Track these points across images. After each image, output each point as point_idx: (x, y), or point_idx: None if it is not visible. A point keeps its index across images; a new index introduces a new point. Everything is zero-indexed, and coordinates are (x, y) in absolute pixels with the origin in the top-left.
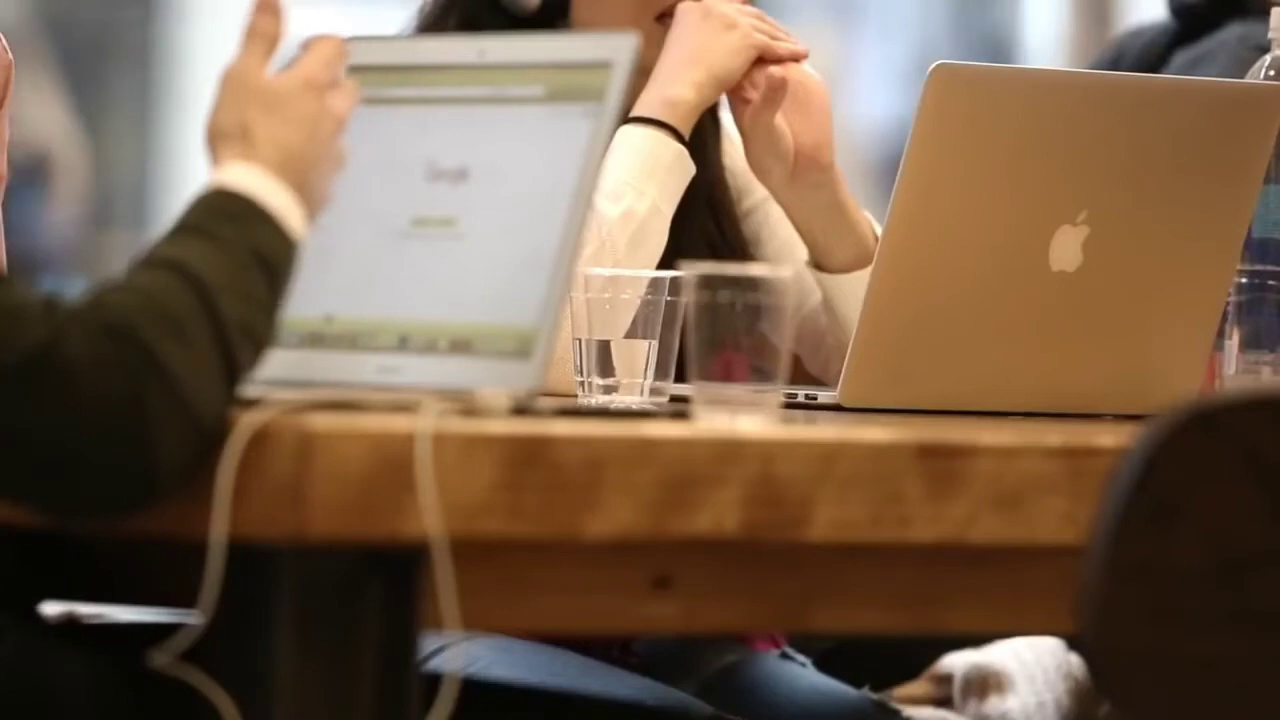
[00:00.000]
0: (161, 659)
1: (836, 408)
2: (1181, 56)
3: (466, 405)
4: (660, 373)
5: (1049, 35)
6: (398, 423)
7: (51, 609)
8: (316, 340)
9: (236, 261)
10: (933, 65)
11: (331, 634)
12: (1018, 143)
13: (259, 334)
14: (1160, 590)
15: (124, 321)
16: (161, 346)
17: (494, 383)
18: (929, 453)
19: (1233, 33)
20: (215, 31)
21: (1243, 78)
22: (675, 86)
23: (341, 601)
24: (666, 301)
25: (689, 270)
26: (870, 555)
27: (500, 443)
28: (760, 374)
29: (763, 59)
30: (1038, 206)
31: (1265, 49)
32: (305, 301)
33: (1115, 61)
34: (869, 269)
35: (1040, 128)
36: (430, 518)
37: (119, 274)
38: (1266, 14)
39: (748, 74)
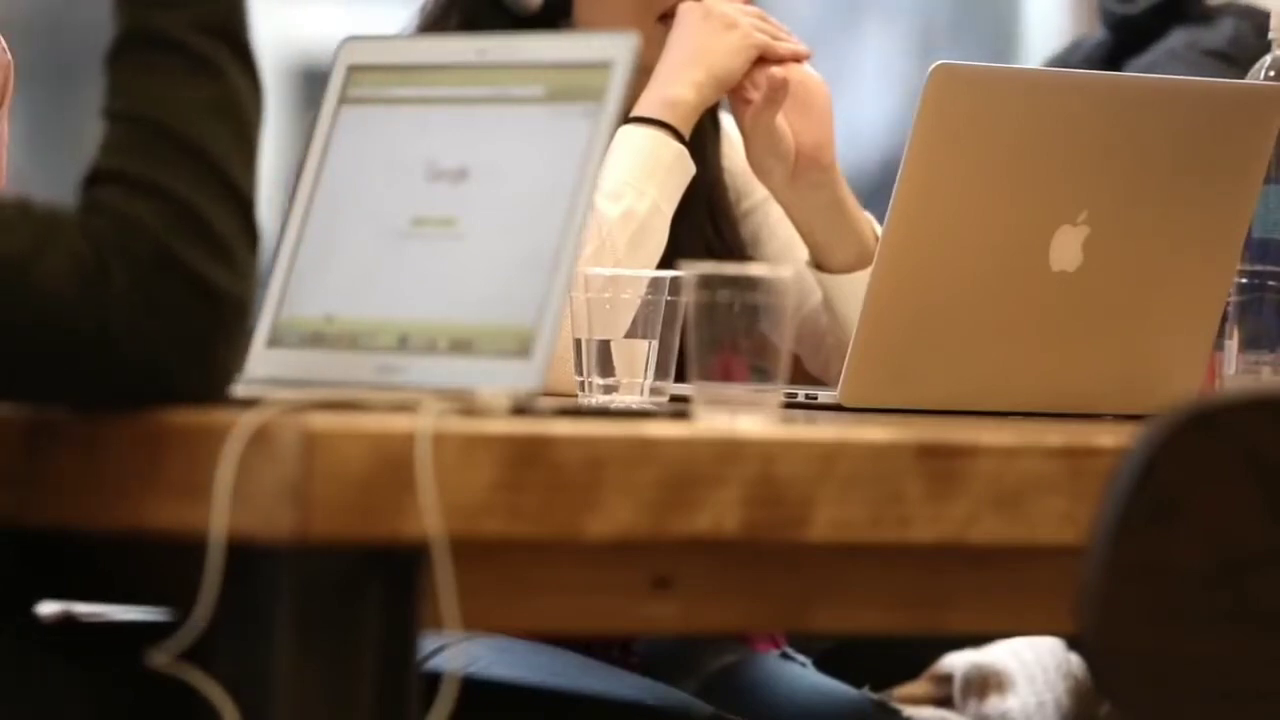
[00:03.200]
0: (161, 659)
1: (836, 408)
2: (1133, 66)
3: (466, 405)
4: (660, 373)
5: (1049, 33)
6: (398, 423)
7: (50, 608)
8: (316, 340)
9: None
10: (933, 65)
11: (331, 634)
12: (1018, 143)
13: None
14: (1160, 590)
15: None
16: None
17: (494, 383)
18: (929, 453)
19: (1178, 40)
20: None
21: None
22: (675, 86)
23: (341, 601)
24: (666, 301)
25: (689, 270)
26: (870, 555)
27: (500, 443)
28: (760, 374)
29: (764, 59)
30: (1038, 206)
31: (1217, 53)
32: (305, 301)
33: None
34: (869, 269)
35: (1040, 128)
36: (430, 518)
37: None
38: (1207, 19)
39: (749, 74)
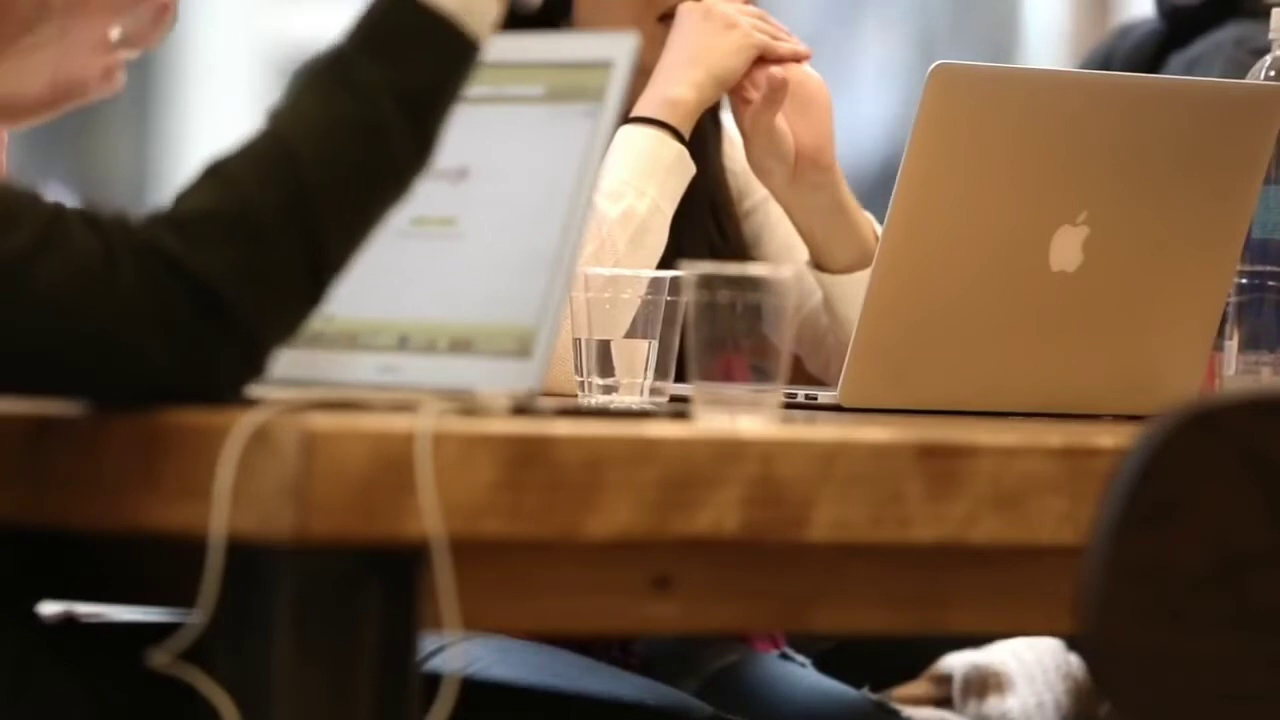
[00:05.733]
0: (161, 659)
1: (836, 408)
2: (1177, 59)
3: (466, 405)
4: (660, 373)
5: (1049, 33)
6: (398, 423)
7: (50, 609)
8: (316, 339)
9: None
10: (933, 65)
11: (331, 634)
12: (1018, 143)
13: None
14: (1160, 590)
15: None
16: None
17: (494, 383)
18: (929, 453)
19: (1228, 34)
20: (214, 31)
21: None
22: (675, 86)
23: (341, 601)
24: (666, 301)
25: (689, 270)
26: (870, 555)
27: (500, 443)
28: (760, 374)
29: (764, 59)
30: (1038, 206)
31: (1262, 51)
32: None
33: (1105, 63)
34: (869, 269)
35: (1040, 128)
36: (430, 518)
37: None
38: (1262, 16)
39: (749, 74)
